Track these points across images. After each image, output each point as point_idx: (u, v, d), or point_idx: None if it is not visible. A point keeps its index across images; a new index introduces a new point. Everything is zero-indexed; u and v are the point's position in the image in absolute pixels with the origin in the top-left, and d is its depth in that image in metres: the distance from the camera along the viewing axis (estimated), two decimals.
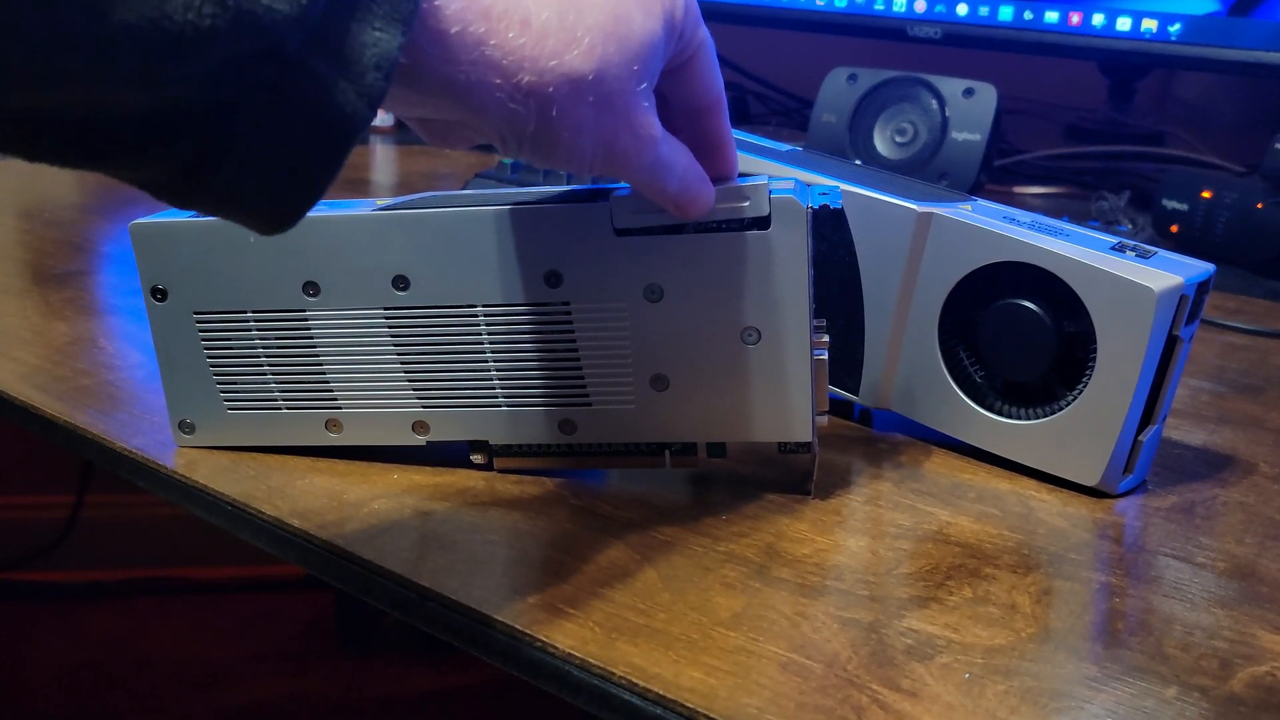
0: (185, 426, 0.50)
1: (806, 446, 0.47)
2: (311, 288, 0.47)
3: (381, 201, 0.47)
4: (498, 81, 0.34)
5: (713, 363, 0.45)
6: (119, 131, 0.30)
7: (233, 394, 0.49)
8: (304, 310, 0.47)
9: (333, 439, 0.49)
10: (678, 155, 0.40)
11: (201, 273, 0.48)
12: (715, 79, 0.41)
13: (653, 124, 0.38)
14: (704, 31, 0.40)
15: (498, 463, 0.49)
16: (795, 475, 0.48)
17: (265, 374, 0.49)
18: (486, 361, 0.47)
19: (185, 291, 0.48)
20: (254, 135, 0.31)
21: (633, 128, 0.37)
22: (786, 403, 0.45)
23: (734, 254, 0.43)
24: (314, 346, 0.48)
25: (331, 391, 0.48)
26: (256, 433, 0.50)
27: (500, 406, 0.47)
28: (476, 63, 0.34)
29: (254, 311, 0.48)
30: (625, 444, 0.47)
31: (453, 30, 0.33)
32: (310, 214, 0.46)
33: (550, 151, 0.37)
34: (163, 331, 0.49)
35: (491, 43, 0.34)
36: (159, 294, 0.48)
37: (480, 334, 0.46)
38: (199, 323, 0.49)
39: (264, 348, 0.48)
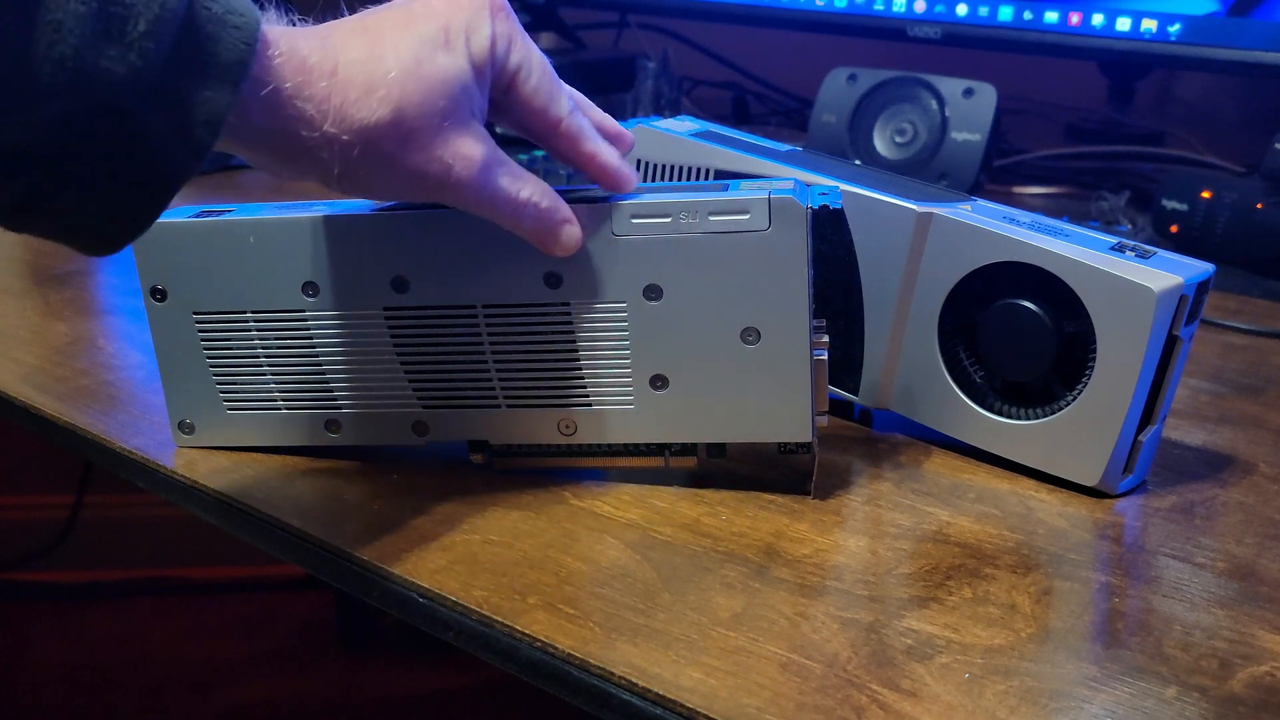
0: (185, 427, 0.50)
1: (806, 447, 0.47)
2: (311, 288, 0.47)
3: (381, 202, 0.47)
4: (303, 133, 0.37)
5: (713, 363, 0.45)
6: None
7: (232, 394, 0.49)
8: (303, 311, 0.47)
9: (333, 439, 0.49)
10: (517, 184, 0.42)
11: (201, 273, 0.48)
12: (545, 100, 0.42)
13: (468, 154, 0.40)
14: (525, 57, 0.42)
15: (498, 463, 0.49)
16: (795, 475, 0.48)
17: (265, 374, 0.49)
18: (486, 361, 0.47)
19: (185, 292, 0.48)
20: (87, 176, 0.34)
21: (442, 160, 0.39)
22: (786, 403, 0.45)
23: (734, 254, 0.43)
24: (313, 347, 0.48)
25: (331, 392, 0.48)
26: (256, 433, 0.50)
27: (500, 406, 0.47)
28: (289, 116, 0.37)
29: (253, 312, 0.48)
30: (625, 444, 0.47)
31: (275, 85, 0.36)
32: (310, 214, 0.47)
33: (361, 187, 0.40)
34: (162, 332, 0.49)
35: (304, 95, 0.37)
36: (159, 294, 0.48)
37: (480, 334, 0.46)
38: (199, 323, 0.49)
39: (263, 348, 0.48)
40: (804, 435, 0.46)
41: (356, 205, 0.47)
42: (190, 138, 0.34)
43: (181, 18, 0.33)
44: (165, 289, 0.48)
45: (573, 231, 0.43)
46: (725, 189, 0.44)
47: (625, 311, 0.45)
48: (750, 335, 0.44)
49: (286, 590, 1.59)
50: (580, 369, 0.46)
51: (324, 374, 0.48)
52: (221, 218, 0.47)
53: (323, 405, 0.49)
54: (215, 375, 0.49)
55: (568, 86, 0.44)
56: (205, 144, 0.34)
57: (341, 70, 0.37)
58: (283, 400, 0.49)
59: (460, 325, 0.46)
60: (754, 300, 0.44)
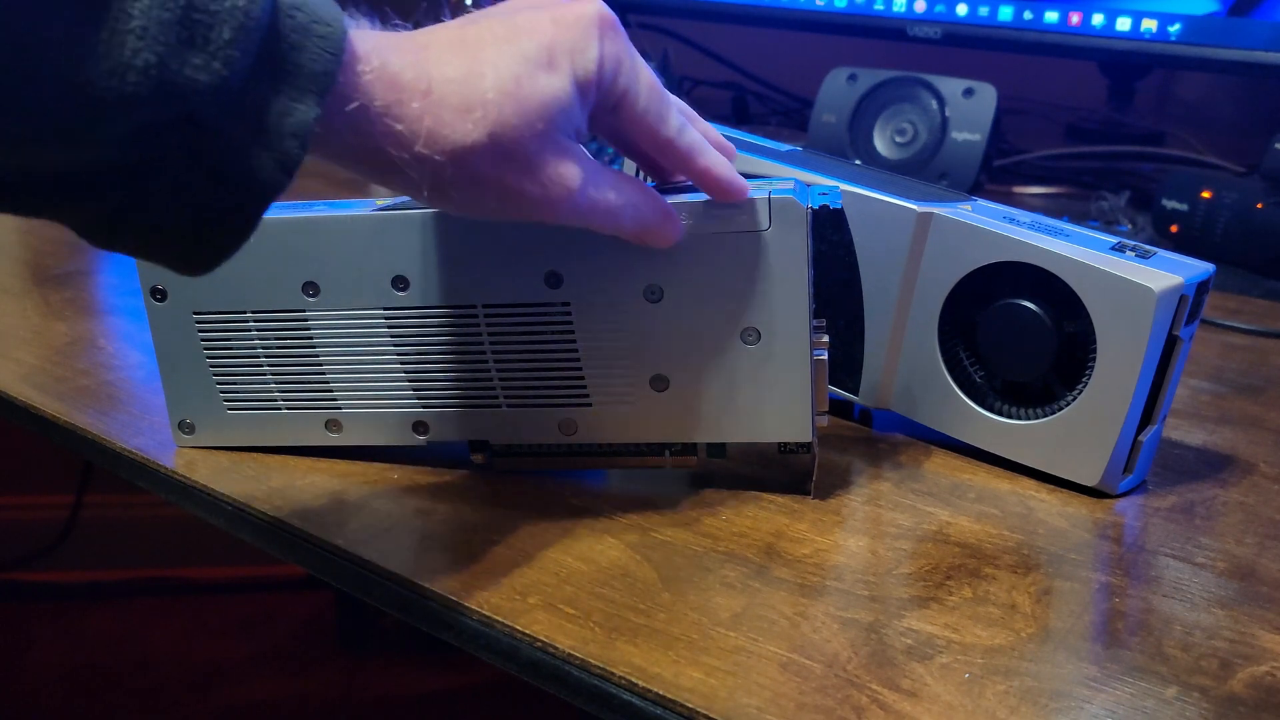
0: (185, 426, 0.50)
1: (807, 447, 0.47)
2: (311, 288, 0.47)
3: (381, 201, 0.47)
4: (393, 151, 0.36)
5: (713, 363, 0.45)
6: (43, 185, 0.31)
7: (233, 394, 0.49)
8: (304, 310, 0.47)
9: (333, 439, 0.49)
10: (617, 194, 0.41)
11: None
12: (655, 121, 0.41)
13: (565, 175, 0.39)
14: (633, 79, 0.40)
15: (498, 463, 0.49)
16: (795, 475, 0.48)
17: (265, 374, 0.49)
18: (486, 361, 0.47)
19: (185, 292, 0.48)
20: (171, 195, 0.33)
21: (538, 180, 0.38)
22: (787, 403, 0.45)
23: (734, 255, 0.43)
24: (314, 347, 0.48)
25: (331, 392, 0.48)
26: (256, 433, 0.50)
27: (500, 406, 0.47)
28: (379, 134, 0.35)
29: (253, 312, 0.48)
30: (625, 444, 0.47)
31: (362, 102, 0.35)
32: (310, 214, 0.47)
33: (453, 204, 0.39)
34: (163, 331, 0.49)
35: (395, 113, 0.35)
36: (159, 294, 0.49)
37: (480, 334, 0.46)
38: (199, 323, 0.49)
39: (264, 348, 0.48)
40: (804, 435, 0.46)
41: (357, 205, 0.47)
42: (277, 151, 0.33)
43: (265, 25, 0.32)
44: (165, 289, 0.48)
45: (673, 224, 0.42)
46: None
47: (625, 312, 0.45)
48: (750, 335, 0.44)
49: (286, 590, 1.59)
50: (580, 369, 0.46)
51: (324, 374, 0.48)
52: None
53: (323, 405, 0.49)
54: (215, 375, 0.49)
55: (674, 99, 0.43)
56: (294, 157, 0.33)
57: (436, 89, 0.36)
58: (283, 400, 0.49)
59: (460, 325, 0.46)
60: (754, 300, 0.44)
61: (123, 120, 0.30)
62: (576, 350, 0.46)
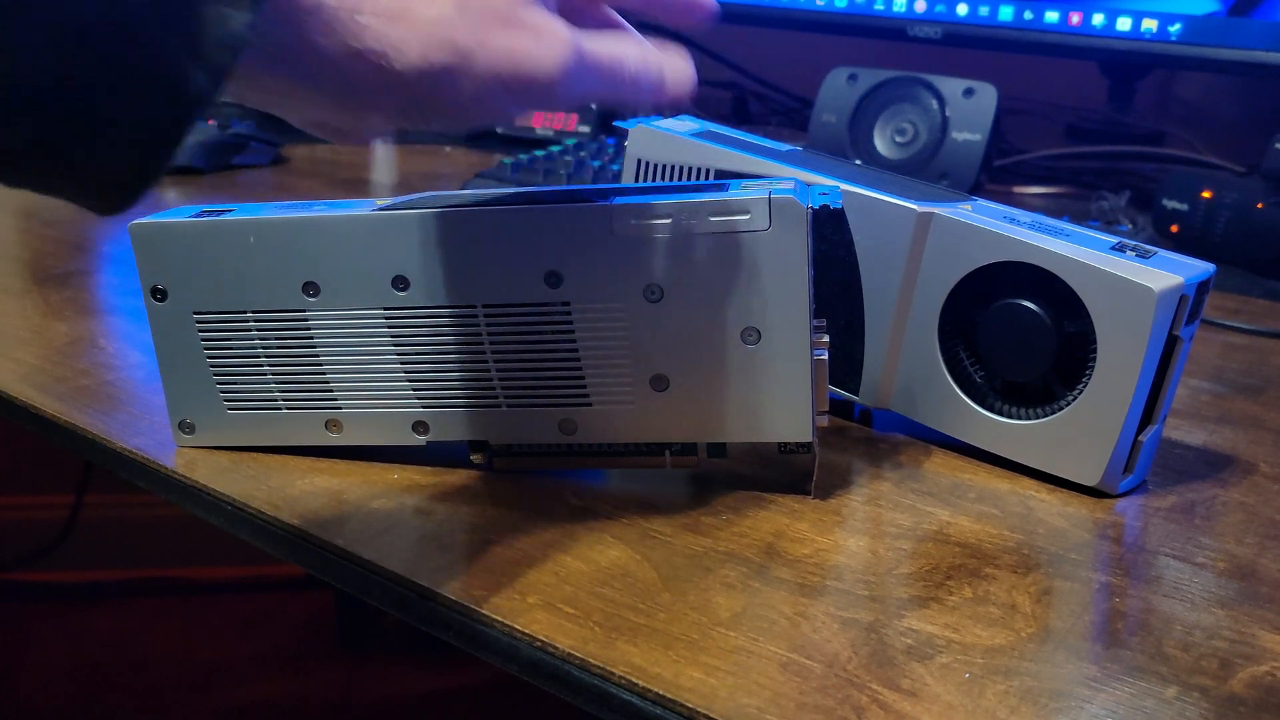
0: (185, 427, 0.50)
1: (807, 447, 0.47)
2: (311, 288, 0.47)
3: (381, 201, 0.47)
4: (351, 44, 0.34)
5: (713, 363, 0.45)
6: None
7: (233, 394, 0.49)
8: (304, 310, 0.47)
9: (333, 439, 0.49)
10: (612, 42, 0.39)
11: (201, 273, 0.48)
12: None
13: (549, 21, 0.36)
14: None
15: (497, 463, 0.49)
16: (795, 475, 0.48)
17: (265, 374, 0.49)
18: (486, 361, 0.47)
19: (185, 292, 0.48)
20: (97, 111, 0.30)
21: (528, 28, 0.36)
22: (787, 403, 0.45)
23: (734, 254, 0.43)
24: (314, 347, 0.48)
25: (332, 392, 0.48)
26: (256, 433, 0.50)
27: (500, 406, 0.47)
28: (325, 28, 0.33)
29: (254, 312, 0.48)
30: (626, 444, 0.47)
31: (315, 5, 0.33)
32: (310, 214, 0.47)
33: (427, 110, 0.36)
34: (163, 331, 0.49)
35: (361, 9, 0.33)
36: (159, 294, 0.48)
37: (480, 334, 0.46)
38: (199, 323, 0.49)
39: (264, 348, 0.48)
40: (804, 435, 0.46)
41: (357, 205, 0.47)
42: (209, 61, 0.30)
43: None
44: (166, 289, 0.48)
45: (680, 61, 0.41)
46: (725, 189, 0.44)
47: (625, 311, 0.45)
48: (750, 335, 0.44)
49: (286, 590, 1.59)
50: (580, 369, 0.46)
51: (324, 374, 0.48)
52: (222, 218, 0.47)
53: (323, 405, 0.49)
54: (215, 375, 0.49)
55: None
56: (224, 67, 0.31)
57: None
58: (283, 400, 0.49)
59: (461, 325, 0.46)
60: (754, 300, 0.44)
61: (42, 32, 0.28)
62: (576, 350, 0.46)
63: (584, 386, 0.46)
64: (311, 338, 0.48)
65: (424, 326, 0.47)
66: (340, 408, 0.49)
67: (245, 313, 0.48)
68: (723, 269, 0.44)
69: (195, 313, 0.48)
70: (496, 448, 0.49)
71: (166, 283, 0.48)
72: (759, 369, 0.45)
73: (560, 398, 0.47)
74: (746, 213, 0.43)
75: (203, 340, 0.49)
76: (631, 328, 0.45)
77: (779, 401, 0.45)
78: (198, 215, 0.48)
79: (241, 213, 0.47)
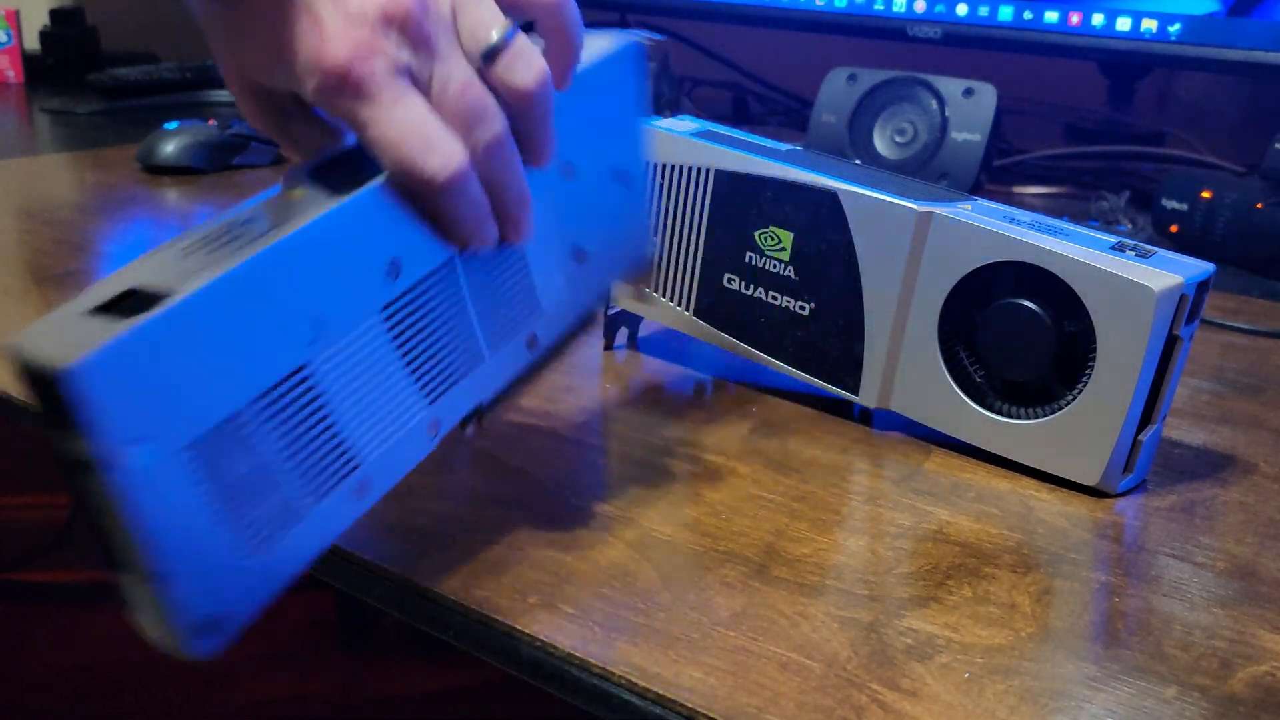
0: (209, 626, 0.36)
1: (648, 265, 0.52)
2: (313, 326, 0.38)
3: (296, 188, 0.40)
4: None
5: (607, 216, 0.49)
6: None
7: (252, 529, 0.36)
8: (307, 364, 0.38)
9: (367, 505, 0.40)
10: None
11: (176, 390, 0.33)
12: None
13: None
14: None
15: (484, 420, 0.47)
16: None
17: (286, 471, 0.37)
18: (468, 313, 0.44)
19: (167, 427, 0.33)
20: None
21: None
22: (641, 229, 0.51)
23: (596, 99, 0.47)
24: (323, 405, 0.38)
25: (351, 449, 0.40)
26: (294, 559, 0.38)
27: (484, 359, 0.45)
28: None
29: (249, 402, 0.35)
30: (565, 332, 0.49)
31: None
32: (291, 230, 0.40)
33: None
34: (155, 500, 0.33)
35: None
36: (135, 449, 0.32)
37: (460, 286, 0.44)
38: (191, 460, 0.34)
39: (276, 441, 0.37)
40: (649, 253, 0.52)
41: (343, 203, 0.40)
42: None
43: None
44: (142, 436, 0.32)
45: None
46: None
47: (547, 192, 0.46)
48: (623, 178, 0.49)
49: (286, 590, 1.59)
50: (530, 272, 0.47)
51: (338, 432, 0.39)
52: (161, 311, 0.33)
53: (348, 470, 0.39)
54: (228, 515, 0.35)
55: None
56: None
57: None
58: (310, 494, 0.38)
59: (443, 288, 0.43)
60: (621, 143, 0.49)
61: None
62: (525, 255, 0.46)
63: (534, 291, 0.47)
64: (318, 395, 0.38)
65: (416, 310, 0.42)
66: (365, 460, 0.40)
67: (241, 411, 0.35)
68: (592, 121, 0.48)
69: (187, 448, 0.33)
70: (485, 407, 0.47)
71: (141, 430, 0.32)
72: (631, 208, 0.50)
73: (525, 315, 0.47)
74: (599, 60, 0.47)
75: (205, 480, 0.34)
76: (557, 211, 0.47)
77: (640, 227, 0.51)
78: (110, 313, 0.32)
79: (181, 290, 0.33)
